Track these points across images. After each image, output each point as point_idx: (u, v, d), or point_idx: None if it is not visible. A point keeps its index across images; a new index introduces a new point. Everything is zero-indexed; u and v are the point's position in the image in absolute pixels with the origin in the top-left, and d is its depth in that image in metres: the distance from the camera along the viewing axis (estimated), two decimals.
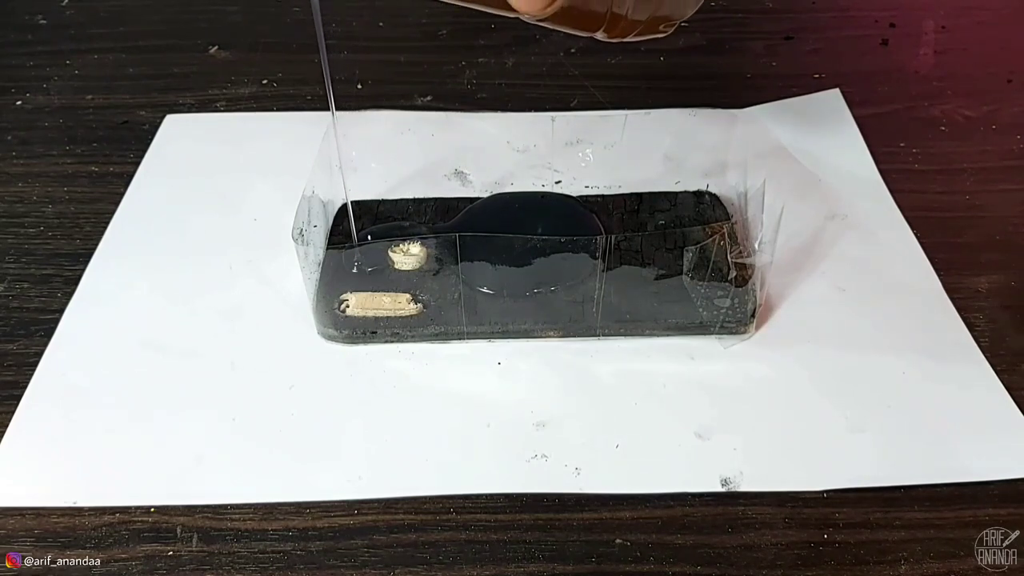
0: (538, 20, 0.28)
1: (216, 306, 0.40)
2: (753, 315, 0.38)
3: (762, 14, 0.61)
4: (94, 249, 0.42)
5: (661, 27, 0.31)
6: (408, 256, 0.38)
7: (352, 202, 0.44)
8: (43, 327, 0.39)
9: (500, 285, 0.38)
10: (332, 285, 0.38)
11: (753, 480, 0.33)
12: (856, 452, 0.34)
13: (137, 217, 0.44)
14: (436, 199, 0.44)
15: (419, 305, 0.38)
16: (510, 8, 0.27)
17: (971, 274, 0.41)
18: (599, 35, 0.31)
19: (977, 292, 0.40)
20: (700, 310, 0.37)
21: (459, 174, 0.46)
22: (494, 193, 0.44)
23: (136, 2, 0.63)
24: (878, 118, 0.51)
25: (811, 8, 0.62)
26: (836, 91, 0.52)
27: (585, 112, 0.51)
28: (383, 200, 0.44)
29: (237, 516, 0.32)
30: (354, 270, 0.38)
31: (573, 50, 0.57)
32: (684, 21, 0.32)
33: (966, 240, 0.43)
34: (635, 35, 0.31)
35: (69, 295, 0.40)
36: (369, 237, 0.40)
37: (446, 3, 0.30)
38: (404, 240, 0.39)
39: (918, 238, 0.43)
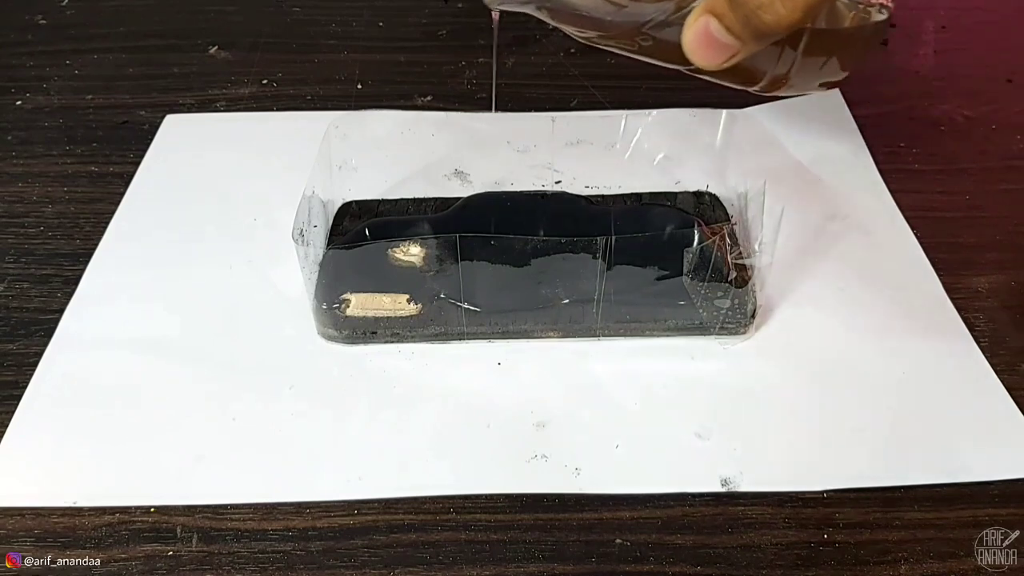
0: (701, 73, 0.29)
1: (216, 306, 0.40)
2: (753, 316, 0.38)
3: None
4: (94, 249, 0.42)
5: (818, 84, 0.32)
6: (408, 256, 0.38)
7: (352, 202, 0.44)
8: (43, 327, 0.39)
9: (499, 295, 0.38)
10: (332, 285, 0.38)
11: (753, 480, 0.33)
12: (856, 452, 0.34)
13: (137, 217, 0.44)
14: (436, 199, 0.44)
15: (419, 305, 0.38)
16: (679, 61, 0.29)
17: (971, 274, 0.41)
18: (754, 89, 0.32)
19: (977, 292, 0.40)
20: (700, 311, 0.37)
21: (459, 174, 0.46)
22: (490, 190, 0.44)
23: (136, 2, 0.63)
24: (878, 118, 0.51)
25: None
26: (836, 91, 0.52)
27: (585, 112, 0.51)
28: (383, 200, 0.44)
29: (237, 516, 0.32)
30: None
31: (573, 50, 0.57)
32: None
33: (966, 240, 0.43)
34: (791, 92, 0.32)
35: (69, 295, 0.40)
36: (367, 231, 0.40)
37: (490, 6, 0.30)
38: (404, 240, 0.38)
39: (918, 238, 0.43)
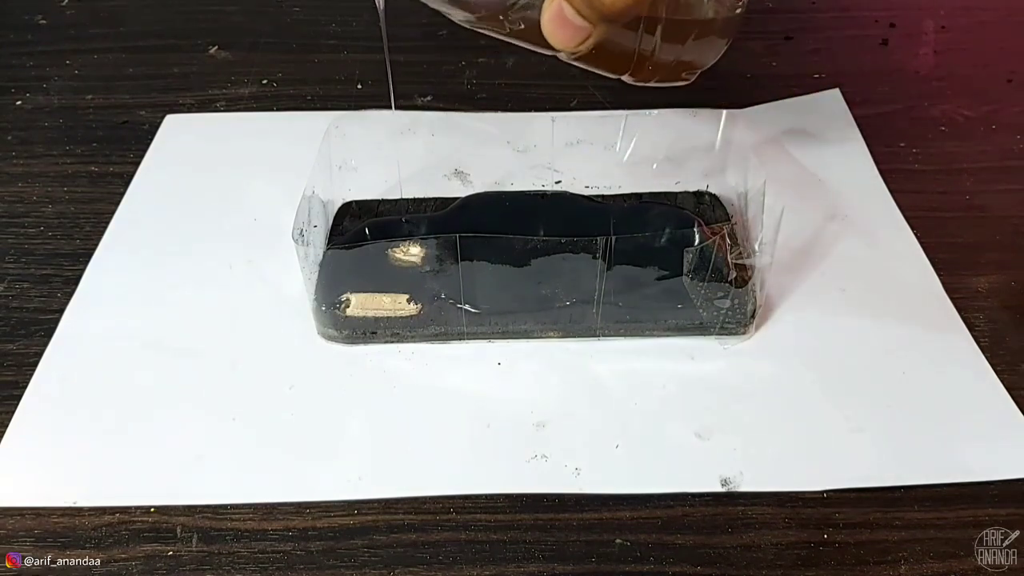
0: (573, 60, 0.31)
1: (216, 306, 0.40)
2: (753, 316, 0.38)
3: (762, 14, 0.61)
4: (94, 249, 0.42)
5: (683, 74, 0.34)
6: (408, 256, 0.38)
7: (352, 202, 0.44)
8: (43, 327, 0.39)
9: (499, 296, 0.38)
10: (332, 285, 0.38)
11: (753, 480, 0.33)
12: (856, 452, 0.34)
13: (137, 217, 0.44)
14: (436, 199, 0.44)
15: (419, 305, 0.38)
16: (548, 46, 0.30)
17: (971, 274, 0.41)
18: (626, 77, 0.34)
19: (977, 292, 0.40)
20: (700, 311, 0.37)
21: (459, 174, 0.46)
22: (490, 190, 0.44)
23: (136, 2, 0.63)
24: (878, 118, 0.51)
25: (811, 8, 0.62)
26: (836, 91, 0.52)
27: (585, 112, 0.51)
28: (383, 200, 0.44)
29: (237, 516, 0.32)
30: None
31: None
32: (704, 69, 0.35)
33: (966, 240, 0.43)
34: (657, 80, 0.34)
35: (69, 295, 0.40)
36: (367, 231, 0.40)
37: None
38: (404, 240, 0.39)
39: (918, 238, 0.43)
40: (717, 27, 0.33)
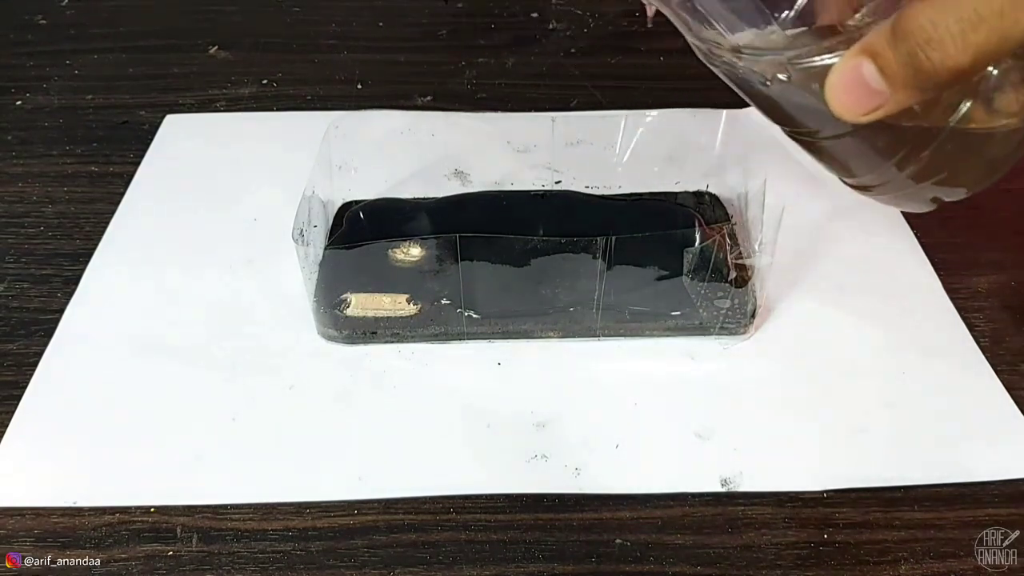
0: (824, 138, 0.27)
1: (216, 306, 0.40)
2: (753, 316, 0.38)
3: None
4: (94, 249, 0.42)
5: (931, 198, 0.29)
6: (408, 256, 0.38)
7: (352, 202, 0.44)
8: (43, 327, 0.39)
9: (499, 296, 0.38)
10: (332, 285, 0.38)
11: (753, 480, 0.33)
12: (856, 452, 0.34)
13: (137, 217, 0.44)
14: (436, 199, 0.44)
15: (419, 305, 0.38)
16: (787, 121, 0.27)
17: (971, 274, 0.41)
18: (867, 179, 0.29)
19: (977, 292, 0.40)
20: (700, 311, 0.37)
21: (459, 174, 0.46)
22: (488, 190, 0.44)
23: (136, 2, 0.63)
24: None
25: None
26: None
27: (585, 112, 0.51)
28: (383, 200, 0.44)
29: (237, 516, 0.32)
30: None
31: (573, 50, 0.57)
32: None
33: (966, 240, 0.43)
34: (891, 200, 0.29)
35: (69, 295, 0.40)
36: (361, 214, 0.40)
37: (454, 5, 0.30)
38: (404, 240, 0.39)
39: (918, 238, 0.43)
40: (1010, 145, 0.28)
